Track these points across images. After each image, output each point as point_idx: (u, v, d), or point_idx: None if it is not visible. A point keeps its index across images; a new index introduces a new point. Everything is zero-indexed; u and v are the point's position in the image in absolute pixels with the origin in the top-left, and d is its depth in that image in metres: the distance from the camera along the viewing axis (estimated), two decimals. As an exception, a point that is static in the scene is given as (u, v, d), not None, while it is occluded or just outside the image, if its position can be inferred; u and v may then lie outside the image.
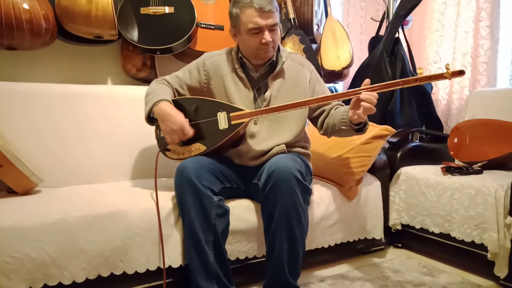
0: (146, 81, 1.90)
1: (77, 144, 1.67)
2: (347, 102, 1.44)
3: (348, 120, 1.38)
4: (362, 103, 1.29)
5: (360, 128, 1.40)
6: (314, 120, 1.59)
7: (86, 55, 1.91)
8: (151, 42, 1.82)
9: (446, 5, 2.61)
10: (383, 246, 1.94)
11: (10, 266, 1.12)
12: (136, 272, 1.30)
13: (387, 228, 1.96)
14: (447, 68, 1.25)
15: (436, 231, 1.76)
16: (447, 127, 2.55)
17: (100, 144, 1.71)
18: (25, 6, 1.56)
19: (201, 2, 2.00)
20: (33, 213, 1.21)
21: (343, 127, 1.42)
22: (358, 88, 1.32)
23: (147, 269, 1.32)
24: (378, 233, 1.86)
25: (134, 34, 1.81)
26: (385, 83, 1.31)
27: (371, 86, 1.31)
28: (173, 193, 1.39)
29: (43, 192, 1.47)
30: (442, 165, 1.87)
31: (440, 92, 2.67)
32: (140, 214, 1.32)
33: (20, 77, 1.73)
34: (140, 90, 1.66)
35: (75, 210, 1.25)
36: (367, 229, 1.82)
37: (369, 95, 1.28)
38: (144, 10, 1.82)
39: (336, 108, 1.52)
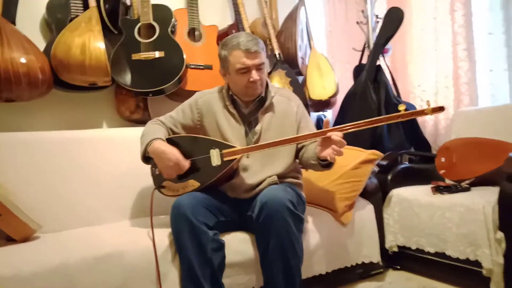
0: (140, 123, 1.97)
1: (75, 187, 1.71)
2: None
3: (316, 156, 1.41)
4: (334, 146, 1.33)
5: (327, 164, 1.44)
6: (296, 154, 1.63)
7: (82, 102, 1.99)
8: (144, 85, 1.91)
9: (424, 32, 2.74)
10: (381, 270, 1.95)
11: (12, 315, 1.14)
12: (136, 311, 1.32)
13: (384, 250, 1.97)
14: (428, 105, 1.32)
15: (432, 250, 1.78)
16: (436, 147, 2.62)
17: (97, 186, 1.75)
18: (23, 60, 1.66)
19: (190, 45, 2.11)
20: (32, 259, 1.24)
21: (312, 162, 1.47)
22: (340, 126, 1.37)
23: (147, 308, 1.33)
24: (375, 257, 1.87)
25: (127, 79, 1.90)
26: (370, 120, 1.35)
27: (355, 123, 1.36)
28: (169, 230, 1.42)
29: (42, 237, 1.50)
30: (432, 185, 1.92)
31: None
32: (138, 254, 1.35)
33: (19, 127, 1.80)
34: (135, 132, 1.71)
35: (74, 254, 1.28)
36: (363, 254, 1.84)
37: (339, 138, 1.32)
38: (135, 56, 1.92)
39: (311, 143, 1.55)
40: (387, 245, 1.98)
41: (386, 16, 2.49)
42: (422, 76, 2.74)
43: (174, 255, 1.41)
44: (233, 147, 1.47)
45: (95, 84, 1.84)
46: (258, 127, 1.57)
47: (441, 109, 1.32)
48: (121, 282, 1.30)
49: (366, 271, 1.90)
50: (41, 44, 1.84)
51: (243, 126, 1.58)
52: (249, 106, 1.60)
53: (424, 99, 2.68)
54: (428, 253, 1.81)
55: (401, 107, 1.34)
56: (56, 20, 1.84)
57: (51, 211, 1.62)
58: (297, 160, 1.62)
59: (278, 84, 2.31)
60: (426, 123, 2.73)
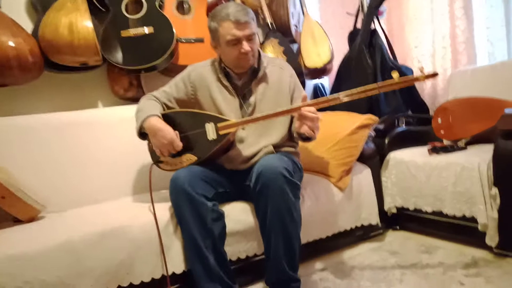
0: (135, 100, 1.96)
1: (76, 167, 1.74)
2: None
3: (296, 130, 1.44)
4: (305, 121, 1.34)
5: (307, 137, 1.45)
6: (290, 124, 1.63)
7: (75, 83, 1.99)
8: (135, 62, 1.90)
9: (420, -10, 2.66)
10: (381, 231, 2.00)
11: (22, 291, 1.19)
12: (142, 282, 1.37)
13: (384, 213, 2.02)
14: (421, 71, 1.31)
15: (429, 210, 1.81)
16: (435, 109, 2.60)
17: (97, 165, 1.78)
18: (11, 43, 1.64)
19: (179, 18, 2.08)
20: (39, 238, 1.28)
21: (295, 135, 1.51)
22: (328, 97, 1.37)
23: (152, 278, 1.39)
24: (373, 219, 1.92)
25: (118, 57, 1.89)
26: (362, 88, 1.34)
27: (349, 92, 1.35)
28: (170, 204, 1.45)
29: (47, 217, 1.54)
30: (428, 146, 1.93)
31: (425, 75, 2.72)
32: (140, 228, 1.39)
33: (15, 111, 1.81)
34: (130, 110, 1.72)
35: (79, 231, 1.32)
36: (362, 216, 1.88)
37: (311, 115, 1.33)
38: (124, 33, 1.90)
39: None
40: (385, 207, 2.02)
41: (379, -24, 2.42)
42: (419, 38, 2.69)
43: (176, 228, 1.45)
44: (228, 120, 1.48)
45: (86, 63, 1.83)
46: (252, 99, 1.57)
47: (434, 75, 1.30)
48: (126, 256, 1.35)
49: (366, 233, 1.94)
50: (29, 26, 1.83)
51: (237, 98, 1.58)
52: (242, 78, 1.59)
53: (422, 61, 2.65)
54: (426, 213, 1.85)
55: (394, 74, 1.32)
56: (41, 0, 1.81)
57: (54, 192, 1.66)
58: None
59: (271, 53, 2.28)
60: (424, 85, 2.70)
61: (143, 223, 1.40)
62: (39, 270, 1.22)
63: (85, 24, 1.76)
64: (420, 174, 1.84)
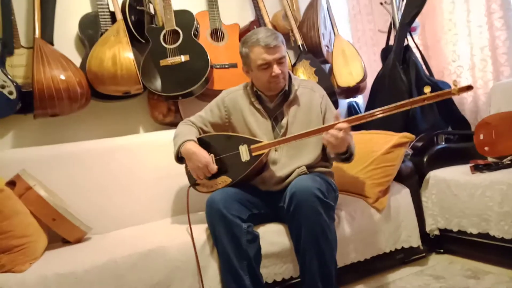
0: (173, 125, 2.06)
1: (118, 191, 1.83)
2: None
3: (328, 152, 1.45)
4: (327, 137, 1.36)
5: (346, 158, 1.47)
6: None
7: (118, 110, 2.12)
8: (173, 89, 2.00)
9: (454, 4, 2.60)
10: (424, 254, 1.91)
11: (69, 308, 1.26)
12: (180, 303, 1.40)
13: (425, 234, 1.93)
14: (455, 85, 1.28)
15: (474, 231, 1.72)
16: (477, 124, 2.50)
17: (138, 188, 1.87)
18: (62, 77, 1.80)
19: (213, 45, 2.17)
20: (85, 258, 1.36)
21: (331, 155, 1.52)
22: (350, 118, 1.38)
23: (190, 299, 1.42)
24: (414, 241, 1.84)
25: (157, 85, 2.00)
26: (394, 105, 1.34)
27: (383, 108, 1.35)
28: (206, 225, 1.49)
29: (92, 238, 1.63)
30: (470, 164, 1.84)
31: (465, 89, 2.62)
32: (178, 249, 1.43)
33: (64, 139, 1.95)
34: (168, 134, 1.80)
35: (121, 251, 1.38)
36: (402, 238, 1.81)
37: (332, 134, 1.34)
38: (163, 62, 2.01)
39: None
40: (427, 229, 1.94)
41: (411, -7, 2.40)
42: (456, 51, 2.62)
43: (213, 249, 1.47)
44: (261, 142, 1.51)
45: (128, 92, 1.95)
46: (284, 121, 1.60)
47: (468, 88, 1.27)
48: (164, 276, 1.39)
49: (407, 256, 1.87)
50: (77, 60, 1.99)
51: (270, 121, 1.61)
52: (274, 101, 1.63)
53: (460, 75, 2.57)
54: (471, 234, 1.75)
55: (426, 89, 1.30)
56: (88, 36, 1.97)
57: (98, 215, 1.75)
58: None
59: (303, 75, 2.31)
60: (464, 99, 2.60)
61: (180, 244, 1.44)
62: (85, 289, 1.28)
63: (127, 55, 1.89)
64: (463, 193, 1.76)
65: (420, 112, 2.28)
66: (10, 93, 1.76)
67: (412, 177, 1.95)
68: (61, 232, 1.53)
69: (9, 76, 1.76)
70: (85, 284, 1.29)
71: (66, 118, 1.95)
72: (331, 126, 1.37)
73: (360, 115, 1.38)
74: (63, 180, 1.75)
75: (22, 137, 1.92)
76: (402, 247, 1.83)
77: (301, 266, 1.42)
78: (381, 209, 1.77)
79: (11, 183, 1.46)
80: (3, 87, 1.75)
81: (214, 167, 1.51)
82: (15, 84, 1.76)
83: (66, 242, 1.58)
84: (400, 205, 1.84)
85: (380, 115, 1.34)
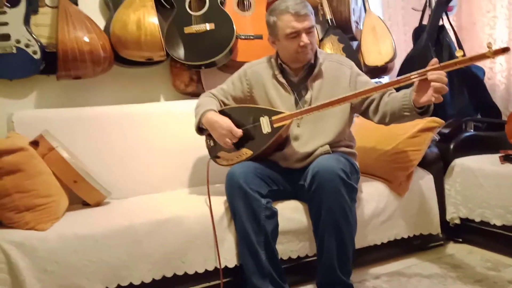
0: (194, 95, 2.03)
1: (137, 158, 1.83)
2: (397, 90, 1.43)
3: (412, 104, 1.33)
4: (433, 83, 1.24)
5: (425, 111, 1.35)
6: (364, 113, 1.55)
7: (140, 77, 2.09)
8: (196, 58, 1.95)
9: (497, -17, 2.46)
10: (442, 242, 1.88)
11: (88, 269, 1.28)
12: (196, 272, 1.42)
13: (445, 223, 1.89)
14: (489, 47, 1.20)
15: (498, 223, 1.67)
16: (508, 113, 2.40)
17: (157, 157, 1.86)
18: (86, 39, 1.77)
19: (239, 15, 2.10)
20: (103, 222, 1.37)
21: (405, 113, 1.38)
22: (404, 76, 1.31)
23: (206, 269, 1.43)
24: (434, 228, 1.81)
25: (181, 53, 1.95)
26: (422, 70, 1.29)
27: (405, 76, 1.30)
28: (225, 197, 1.48)
29: (111, 203, 1.64)
30: (500, 154, 1.77)
31: (497, 76, 2.51)
32: (196, 219, 1.44)
33: (86, 102, 1.94)
34: (190, 104, 1.78)
35: (139, 218, 1.39)
36: (422, 225, 1.78)
37: (438, 74, 1.23)
38: (187, 30, 1.95)
39: (390, 93, 1.48)
40: (448, 217, 1.90)
41: (451, -31, 2.26)
42: (493, 35, 2.48)
43: (230, 221, 1.47)
44: (282, 113, 1.47)
45: (151, 59, 1.92)
46: (308, 96, 1.55)
47: (505, 50, 1.17)
48: (180, 245, 1.40)
49: (425, 242, 1.84)
50: (101, 22, 1.94)
51: (293, 95, 1.57)
52: (298, 74, 1.57)
53: (495, 60, 2.44)
54: (494, 226, 1.70)
55: (458, 53, 1.22)
56: (113, -2, 1.92)
57: (118, 180, 1.75)
58: (374, 117, 1.51)
59: (330, 50, 2.23)
60: (496, 86, 2.49)
61: (199, 215, 1.44)
62: (103, 251, 1.31)
63: (152, 20, 1.84)
64: (490, 183, 1.70)
65: (450, 96, 2.19)
66: (34, 52, 1.74)
67: (437, 164, 1.90)
68: (81, 195, 1.54)
69: (33, 35, 1.74)
70: (103, 246, 1.31)
71: (89, 81, 1.93)
72: (405, 79, 1.29)
73: (417, 72, 1.30)
74: (83, 143, 1.75)
75: (45, 98, 1.91)
76: (421, 234, 1.80)
77: (318, 245, 1.41)
78: (403, 194, 1.73)
79: (34, 143, 1.47)
80: (27, 46, 1.73)
81: (238, 131, 1.48)
82: (39, 43, 1.74)
83: (86, 205, 1.60)
84: (422, 191, 1.80)
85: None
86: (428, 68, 1.28)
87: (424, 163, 1.85)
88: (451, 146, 1.94)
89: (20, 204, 1.30)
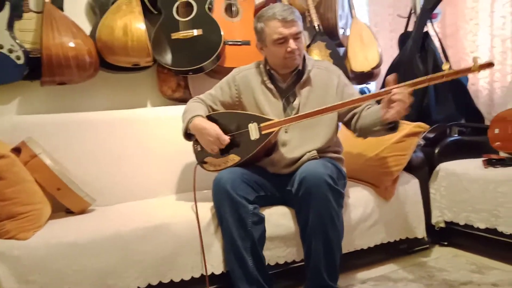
0: (182, 101, 2.02)
1: (124, 164, 1.81)
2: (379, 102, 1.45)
3: (380, 120, 1.37)
4: (393, 104, 1.28)
5: (392, 127, 1.39)
6: (347, 124, 1.60)
7: (127, 82, 2.07)
8: (183, 64, 1.95)
9: (478, -8, 2.51)
10: (427, 245, 1.90)
11: (72, 278, 1.26)
12: (182, 279, 1.40)
13: (431, 227, 1.91)
14: (475, 62, 1.23)
15: (482, 226, 1.70)
16: (491, 118, 2.44)
17: (144, 163, 1.84)
18: (71, 44, 1.75)
19: (227, 21, 2.10)
20: (89, 229, 1.35)
21: (375, 128, 1.42)
22: (386, 89, 1.33)
23: (192, 277, 1.41)
24: (420, 232, 1.83)
25: (168, 58, 1.95)
26: (411, 81, 1.32)
27: (397, 85, 1.32)
28: (212, 203, 1.47)
29: (96, 210, 1.62)
30: (483, 158, 1.81)
31: (480, 82, 2.56)
32: (183, 226, 1.42)
33: (71, 108, 1.91)
34: (177, 110, 1.77)
35: (126, 225, 1.37)
36: (408, 229, 1.80)
37: (401, 96, 1.27)
38: (174, 35, 1.95)
39: (368, 108, 1.52)
40: (433, 221, 1.92)
41: (435, -23, 2.31)
42: (475, 42, 2.53)
43: (217, 228, 1.46)
44: (271, 120, 1.47)
45: (138, 64, 1.91)
46: (296, 102, 1.56)
47: (489, 65, 1.22)
48: (169, 251, 1.38)
49: (411, 246, 1.86)
50: (87, 28, 1.93)
51: (281, 101, 1.57)
52: (287, 81, 1.58)
53: (478, 66, 2.49)
54: (478, 229, 1.73)
55: (445, 66, 1.26)
56: (99, 4, 1.90)
57: (104, 187, 1.73)
58: (354, 132, 1.55)
59: (318, 56, 2.25)
60: (480, 92, 2.54)
61: (185, 221, 1.43)
62: (88, 259, 1.28)
63: (139, 26, 1.83)
64: (474, 187, 1.73)
65: (435, 102, 2.23)
66: (18, 58, 1.71)
67: (422, 168, 1.92)
68: (65, 202, 1.51)
69: (17, 41, 1.71)
70: (90, 254, 1.29)
71: (74, 87, 1.91)
72: (385, 92, 1.30)
73: (405, 83, 1.31)
74: (68, 150, 1.72)
75: (28, 104, 1.88)
76: (407, 237, 1.81)
77: (306, 251, 1.41)
78: (389, 198, 1.74)
79: (16, 150, 1.44)
80: (10, 51, 1.70)
81: (226, 138, 1.48)
82: (23, 49, 1.71)
83: (69, 213, 1.57)
84: (408, 196, 1.82)
85: (408, 89, 1.30)
86: (393, 86, 1.31)
87: (410, 168, 1.87)
88: (436, 151, 1.97)
89: (1, 212, 1.27)
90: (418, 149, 1.93)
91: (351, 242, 1.65)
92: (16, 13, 1.76)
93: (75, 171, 1.64)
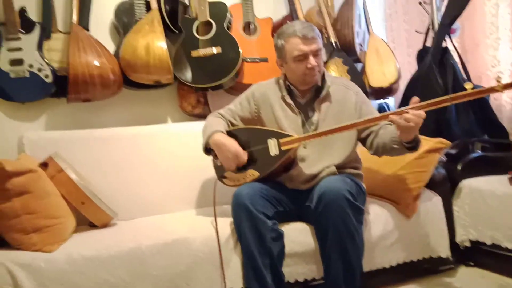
0: (201, 117, 2.05)
1: (146, 179, 1.84)
2: None
3: (399, 139, 1.38)
4: (403, 123, 1.30)
5: (412, 146, 1.39)
6: (362, 141, 1.60)
7: (148, 99, 2.13)
8: (203, 81, 1.99)
9: (499, 6, 2.49)
10: (452, 265, 1.84)
11: (94, 292, 1.28)
12: (200, 295, 1.40)
13: (455, 245, 1.86)
14: (498, 81, 1.22)
15: (510, 246, 1.64)
16: (515, 134, 2.39)
17: (165, 177, 1.87)
18: (96, 63, 1.82)
19: (245, 39, 2.15)
20: (110, 244, 1.37)
21: (394, 146, 1.43)
22: (404, 108, 1.33)
23: (211, 292, 1.41)
24: (443, 251, 1.77)
25: (188, 76, 1.99)
26: (432, 101, 1.31)
27: (418, 104, 1.32)
28: (231, 219, 1.48)
29: (118, 224, 1.65)
30: (509, 175, 1.76)
31: (503, 97, 2.51)
32: (202, 241, 1.43)
33: (95, 124, 1.97)
34: (196, 126, 1.80)
35: (146, 239, 1.39)
36: (431, 247, 1.75)
37: (413, 116, 1.28)
38: (194, 53, 2.00)
39: (385, 128, 1.53)
40: (457, 239, 1.86)
41: (452, -8, 2.31)
42: (496, 56, 2.50)
43: (236, 243, 1.46)
44: (290, 136, 1.48)
45: (159, 82, 1.96)
46: (315, 117, 1.57)
47: None
48: (187, 266, 1.39)
49: (434, 266, 1.80)
50: (111, 47, 2.00)
51: (300, 117, 1.58)
52: (306, 96, 1.60)
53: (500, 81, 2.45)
54: (506, 249, 1.67)
55: (468, 86, 1.25)
56: (123, 24, 1.98)
57: (125, 201, 1.76)
58: (370, 149, 1.56)
59: (335, 73, 2.26)
60: (503, 107, 2.49)
61: (205, 236, 1.44)
62: (109, 272, 1.30)
63: (160, 45, 1.89)
64: (499, 205, 1.68)
65: (456, 117, 2.19)
66: (46, 76, 1.79)
67: (444, 185, 1.88)
68: (88, 216, 1.55)
69: (45, 60, 1.80)
70: (110, 268, 1.30)
71: (98, 104, 1.97)
72: (402, 112, 1.31)
73: (426, 102, 1.32)
74: (92, 164, 1.77)
75: (55, 120, 1.95)
76: (430, 257, 1.76)
77: (325, 268, 1.39)
78: (410, 215, 1.71)
79: (44, 165, 1.49)
80: (39, 70, 1.78)
81: (244, 157, 1.49)
82: (51, 68, 1.80)
83: (92, 226, 1.60)
84: (430, 213, 1.78)
85: (426, 109, 1.31)
86: (409, 106, 1.32)
87: (432, 185, 1.83)
88: (459, 167, 1.93)
89: (28, 225, 1.31)
90: (440, 166, 1.89)
91: (372, 260, 1.62)
92: (45, 34, 1.85)
93: (98, 185, 1.68)
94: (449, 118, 2.22)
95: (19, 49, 1.77)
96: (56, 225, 1.35)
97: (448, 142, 1.77)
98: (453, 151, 1.98)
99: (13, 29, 1.76)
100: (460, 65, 2.36)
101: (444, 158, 1.92)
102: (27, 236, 1.31)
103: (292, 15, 2.33)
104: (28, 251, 1.30)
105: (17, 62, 1.76)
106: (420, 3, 2.54)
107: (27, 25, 1.80)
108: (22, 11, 1.81)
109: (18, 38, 1.77)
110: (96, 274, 1.29)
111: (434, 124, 2.17)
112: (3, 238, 1.34)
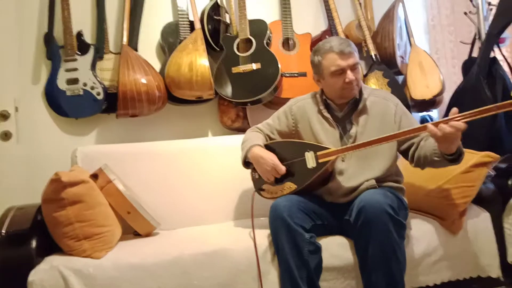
0: (240, 130, 2.11)
1: (186, 191, 1.91)
2: None
3: (440, 151, 1.35)
4: (439, 135, 1.27)
5: (454, 158, 1.35)
6: (404, 153, 1.58)
7: (190, 114, 2.22)
8: (243, 96, 2.05)
9: (552, 13, 2.36)
10: (504, 287, 1.72)
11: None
12: (240, 306, 1.41)
13: (506, 265, 1.74)
14: None
15: None
16: None
17: (205, 189, 1.93)
18: (143, 80, 1.94)
19: (284, 54, 2.19)
20: (154, 252, 1.43)
21: (435, 158, 1.40)
22: (445, 119, 1.30)
23: (249, 304, 1.42)
24: (494, 271, 1.67)
25: (228, 91, 2.06)
26: (476, 110, 1.27)
27: (462, 114, 1.28)
28: (269, 231, 1.49)
29: (160, 234, 1.72)
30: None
31: (560, 108, 2.35)
32: (241, 253, 1.45)
33: (141, 138, 2.09)
34: (236, 139, 1.85)
35: (187, 250, 1.44)
36: (480, 266, 1.65)
37: (451, 127, 1.25)
38: (235, 70, 2.07)
39: (426, 139, 1.49)
40: (509, 259, 1.74)
41: (501, 2, 2.22)
42: (551, 66, 2.35)
43: (274, 256, 1.47)
44: (328, 148, 1.49)
45: (201, 97, 2.05)
46: (353, 130, 1.56)
47: None
48: (228, 277, 1.41)
49: (484, 286, 1.69)
50: (157, 65, 2.13)
51: (338, 130, 1.58)
52: (343, 109, 1.60)
53: (555, 91, 2.30)
54: None
55: None
56: (168, 44, 2.10)
57: (167, 211, 1.83)
58: (411, 162, 1.53)
59: (375, 85, 2.23)
60: (560, 119, 2.32)
61: (243, 248, 1.46)
62: (152, 280, 1.36)
63: (203, 62, 1.98)
64: (556, 223, 1.56)
65: (507, 129, 2.08)
66: (98, 94, 1.94)
67: (494, 201, 1.77)
68: (134, 225, 1.63)
69: (98, 79, 1.94)
70: (155, 276, 1.36)
71: (144, 119, 2.09)
72: (424, 127, 1.31)
73: (469, 112, 1.29)
74: (138, 176, 1.86)
75: (105, 135, 2.09)
76: (479, 276, 1.66)
77: (365, 284, 1.36)
78: (456, 232, 1.63)
79: (94, 176, 1.60)
80: (92, 88, 1.93)
81: (282, 168, 1.51)
82: (102, 86, 1.94)
83: (137, 235, 1.68)
84: (478, 230, 1.68)
85: (469, 118, 1.28)
86: (449, 117, 1.29)
87: (480, 200, 1.74)
88: (510, 182, 1.82)
89: (80, 232, 1.40)
90: (489, 181, 1.80)
91: (415, 278, 1.56)
92: (99, 55, 2.01)
93: (142, 196, 1.77)
94: (500, 129, 2.11)
95: (75, 69, 1.93)
96: (104, 233, 1.44)
97: (497, 155, 1.68)
98: (504, 165, 1.87)
99: (71, 51, 1.93)
100: (510, 76, 2.25)
101: (493, 173, 1.82)
102: (78, 242, 1.40)
103: (331, 30, 2.35)
104: (79, 257, 1.39)
105: (73, 81, 1.92)
106: (465, 13, 2.47)
107: (83, 47, 1.97)
108: (79, 35, 1.98)
109: (75, 59, 1.94)
110: (141, 281, 1.35)
111: (485, 138, 2.08)
112: (57, 244, 1.44)
